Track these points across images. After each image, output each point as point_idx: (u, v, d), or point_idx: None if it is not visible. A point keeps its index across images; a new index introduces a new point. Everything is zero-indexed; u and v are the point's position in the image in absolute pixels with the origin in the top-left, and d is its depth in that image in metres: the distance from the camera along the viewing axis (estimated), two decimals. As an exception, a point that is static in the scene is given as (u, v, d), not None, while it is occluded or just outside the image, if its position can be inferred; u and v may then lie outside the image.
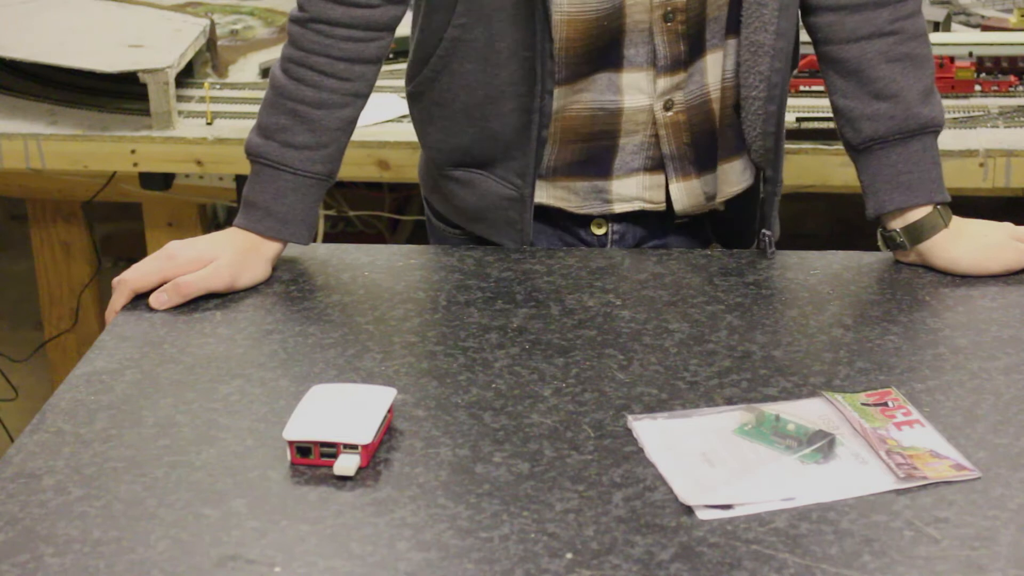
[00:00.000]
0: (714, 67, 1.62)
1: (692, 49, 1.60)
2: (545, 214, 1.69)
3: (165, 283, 1.54)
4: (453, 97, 1.64)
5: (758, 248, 1.67)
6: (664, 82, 1.60)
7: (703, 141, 1.65)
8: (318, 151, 1.61)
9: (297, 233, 1.61)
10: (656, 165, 1.65)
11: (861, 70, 1.60)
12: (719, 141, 1.66)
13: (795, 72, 1.88)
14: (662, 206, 1.68)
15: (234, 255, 1.57)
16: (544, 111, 1.59)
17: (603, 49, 1.58)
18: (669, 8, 1.56)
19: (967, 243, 1.59)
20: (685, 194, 1.67)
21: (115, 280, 1.56)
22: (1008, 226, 1.62)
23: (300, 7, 1.60)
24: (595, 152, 1.64)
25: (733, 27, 1.61)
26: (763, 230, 1.66)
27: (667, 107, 1.61)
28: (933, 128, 1.60)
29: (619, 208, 1.67)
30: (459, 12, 1.59)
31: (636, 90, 1.60)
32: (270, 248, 1.61)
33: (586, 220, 1.69)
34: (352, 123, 1.64)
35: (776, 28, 1.57)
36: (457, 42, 1.61)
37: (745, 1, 1.57)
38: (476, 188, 1.68)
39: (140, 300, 1.56)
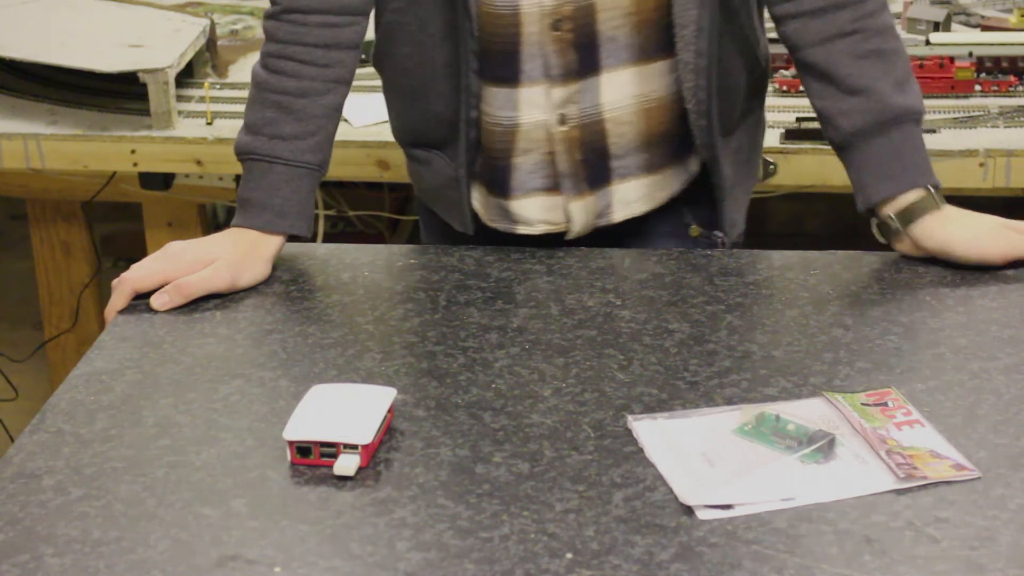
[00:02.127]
0: (611, 87, 1.61)
1: (584, 61, 1.59)
2: None
3: (165, 284, 1.54)
4: (398, 80, 1.69)
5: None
6: (558, 93, 1.60)
7: (594, 159, 1.65)
8: (306, 140, 1.62)
9: (295, 224, 1.62)
10: (553, 185, 1.66)
11: (830, 70, 1.60)
12: (623, 161, 1.66)
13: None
14: (564, 225, 1.68)
15: (234, 255, 1.57)
16: (471, 90, 1.61)
17: (502, 60, 1.59)
18: (557, 17, 1.57)
19: (959, 226, 1.59)
20: (581, 213, 1.67)
21: (115, 280, 1.56)
22: (1000, 218, 1.61)
23: (272, 1, 1.63)
24: (494, 169, 1.66)
25: (644, 53, 1.61)
26: (715, 231, 1.68)
27: (561, 122, 1.61)
28: (911, 116, 1.60)
29: (522, 230, 1.68)
30: None
31: (532, 105, 1.61)
32: (270, 245, 1.61)
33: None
34: (336, 111, 1.64)
35: (696, 48, 1.58)
36: (393, 26, 1.64)
37: (674, 25, 1.58)
38: (431, 167, 1.71)
39: (140, 300, 1.56)
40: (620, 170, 1.66)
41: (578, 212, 1.66)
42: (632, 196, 1.67)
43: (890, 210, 1.60)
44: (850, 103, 1.60)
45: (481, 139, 1.65)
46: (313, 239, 1.65)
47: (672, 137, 1.65)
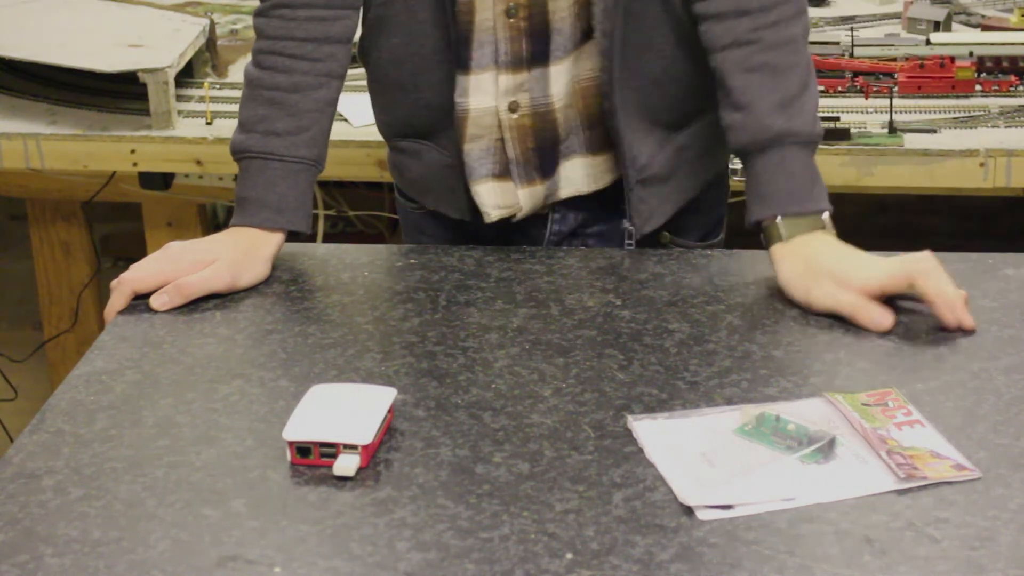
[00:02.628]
0: (560, 77, 1.62)
1: (536, 50, 1.60)
2: None
3: (165, 284, 1.54)
4: (385, 72, 1.68)
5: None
6: (506, 80, 1.61)
7: (547, 147, 1.65)
8: (300, 135, 1.62)
9: (294, 220, 1.62)
10: (504, 171, 1.66)
11: (722, 80, 1.58)
12: (567, 142, 1.66)
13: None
14: (519, 208, 1.68)
15: (234, 255, 1.57)
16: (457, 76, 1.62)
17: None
18: (511, 3, 1.57)
19: (788, 265, 1.52)
20: (531, 199, 1.68)
21: (114, 281, 1.56)
22: (872, 270, 1.49)
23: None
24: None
25: (582, 39, 1.62)
26: (623, 221, 1.67)
27: (512, 109, 1.62)
28: (791, 139, 1.55)
29: (488, 217, 1.68)
30: None
31: (481, 92, 1.62)
32: (269, 243, 1.60)
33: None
34: (330, 105, 1.64)
35: (602, 28, 1.58)
36: (380, 20, 1.65)
37: (592, 4, 1.58)
38: (421, 158, 1.71)
39: (140, 300, 1.55)
40: (565, 150, 1.67)
41: (527, 198, 1.68)
42: (576, 174, 1.68)
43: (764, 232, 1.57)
44: (734, 118, 1.57)
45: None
46: (313, 239, 1.64)
47: (599, 117, 1.66)
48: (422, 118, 1.68)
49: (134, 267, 1.56)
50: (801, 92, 1.57)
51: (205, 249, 1.58)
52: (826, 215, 1.56)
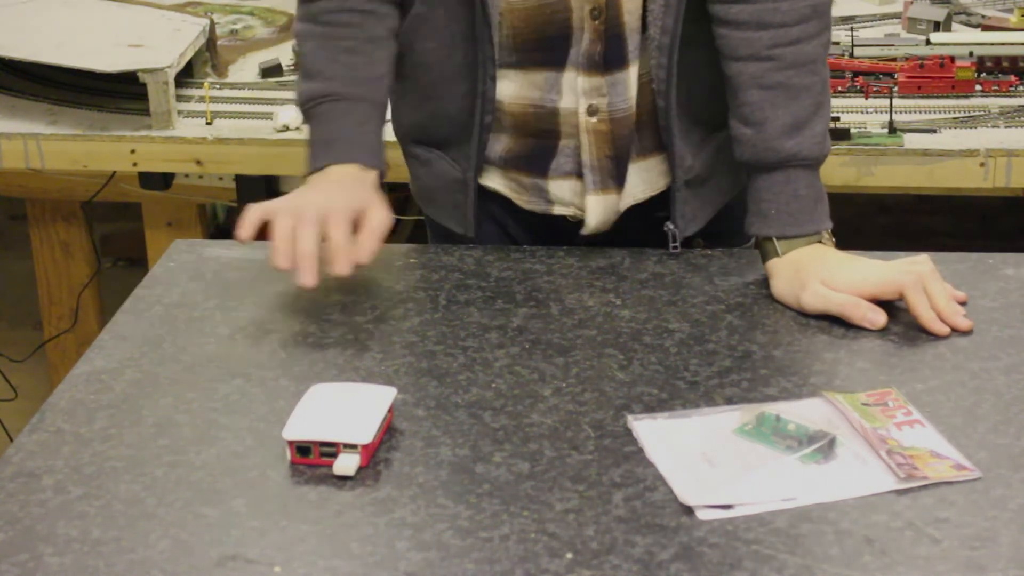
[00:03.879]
0: (633, 81, 1.60)
1: (611, 54, 1.58)
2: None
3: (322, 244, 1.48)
4: (413, 74, 1.67)
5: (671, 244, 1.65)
6: (584, 82, 1.59)
7: (623, 155, 1.63)
8: (379, 83, 1.60)
9: (381, 162, 1.58)
10: (578, 172, 1.64)
11: (735, 91, 1.58)
12: (633, 145, 1.64)
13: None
14: (582, 215, 1.66)
15: (350, 196, 1.52)
16: (487, 96, 1.60)
17: (549, 43, 1.59)
18: (595, 6, 1.56)
19: (783, 280, 1.53)
20: (601, 208, 1.65)
21: (251, 211, 1.49)
22: (868, 274, 1.50)
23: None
24: (538, 149, 1.65)
25: (642, 38, 1.60)
26: (667, 223, 1.64)
27: (591, 112, 1.60)
28: (797, 162, 1.56)
29: (558, 210, 1.66)
30: None
31: (569, 90, 1.60)
32: (370, 180, 1.57)
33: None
34: (394, 61, 1.63)
35: (661, 25, 1.56)
36: (420, 19, 1.63)
37: (651, 5, 1.57)
38: (432, 167, 1.70)
39: (140, 300, 1.55)
40: (633, 152, 1.65)
41: (596, 205, 1.64)
42: (630, 181, 1.66)
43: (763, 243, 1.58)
44: (744, 132, 1.57)
45: (511, 123, 1.63)
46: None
47: (653, 118, 1.63)
48: (439, 128, 1.67)
49: (282, 228, 1.46)
50: (813, 114, 1.56)
51: (343, 200, 1.50)
52: (825, 233, 1.57)
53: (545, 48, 1.59)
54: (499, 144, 1.65)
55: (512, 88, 1.62)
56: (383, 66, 1.62)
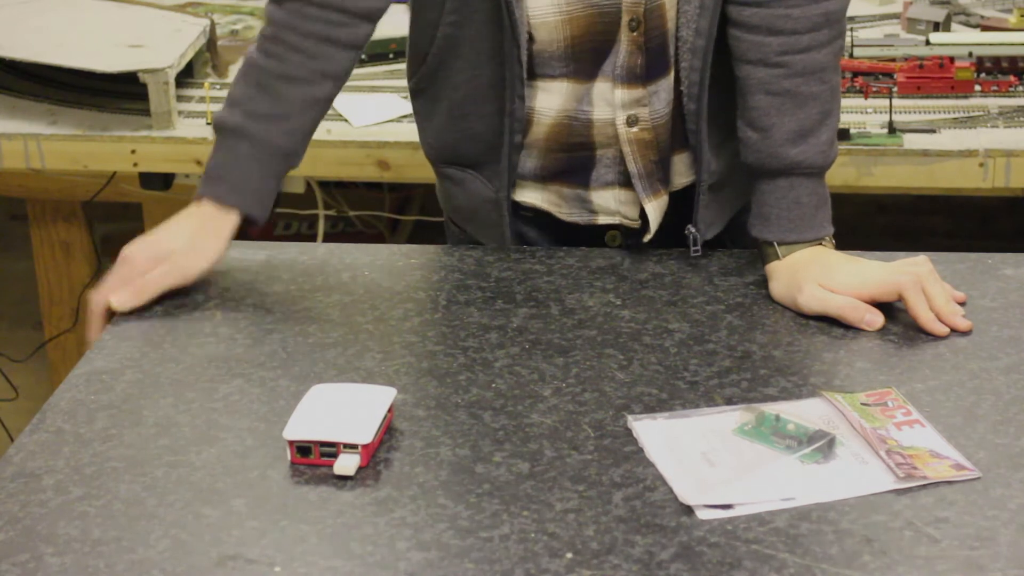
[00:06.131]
0: (671, 86, 1.60)
1: (653, 65, 1.58)
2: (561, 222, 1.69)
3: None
4: (443, 94, 1.65)
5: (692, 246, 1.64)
6: (622, 94, 1.58)
7: (666, 156, 1.63)
8: (279, 123, 1.60)
9: (248, 203, 1.59)
10: (626, 181, 1.63)
11: (744, 93, 1.58)
12: (672, 138, 1.64)
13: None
14: (637, 223, 1.65)
15: (188, 242, 1.57)
16: (516, 115, 1.59)
17: (590, 54, 1.57)
18: (632, 17, 1.55)
19: (781, 283, 1.54)
20: (659, 211, 1.64)
21: (88, 300, 1.56)
22: (862, 273, 1.52)
23: None
24: (576, 161, 1.64)
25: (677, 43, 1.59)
26: (688, 226, 1.64)
27: (631, 123, 1.59)
28: (802, 171, 1.56)
29: (603, 220, 1.66)
30: (448, 9, 1.60)
31: (603, 101, 1.59)
32: (224, 223, 1.59)
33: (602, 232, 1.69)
34: (318, 103, 1.62)
35: (696, 27, 1.56)
36: (451, 39, 1.62)
37: (685, 8, 1.56)
38: (466, 187, 1.69)
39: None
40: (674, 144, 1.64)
41: (655, 211, 1.63)
42: (683, 168, 1.66)
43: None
44: (749, 136, 1.57)
45: (545, 136, 1.62)
46: (313, 239, 1.64)
47: (680, 118, 1.63)
48: (470, 148, 1.66)
49: (98, 288, 1.56)
50: (819, 123, 1.56)
51: (159, 243, 1.57)
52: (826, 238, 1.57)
53: (588, 59, 1.58)
54: (531, 160, 1.64)
55: (555, 100, 1.60)
56: (287, 107, 1.60)
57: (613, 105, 1.59)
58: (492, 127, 1.62)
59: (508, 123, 1.60)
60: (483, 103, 1.62)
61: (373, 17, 1.63)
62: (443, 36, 1.62)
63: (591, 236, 1.69)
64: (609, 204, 1.65)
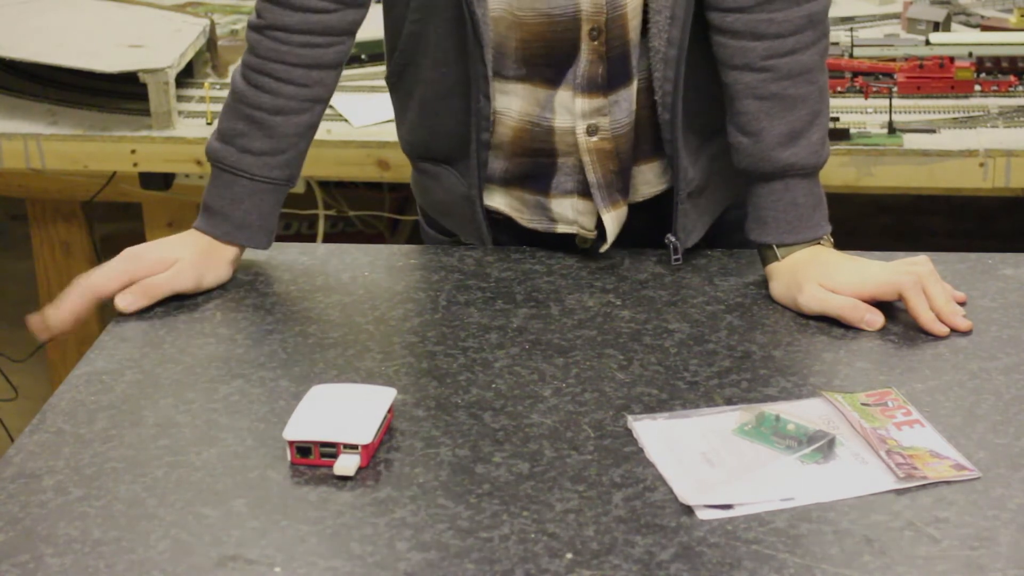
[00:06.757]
0: (634, 96, 1.59)
1: (614, 75, 1.57)
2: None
3: (129, 285, 1.54)
4: (414, 91, 1.66)
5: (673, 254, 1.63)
6: (583, 103, 1.58)
7: (627, 167, 1.62)
8: (275, 157, 1.61)
9: (254, 238, 1.61)
10: (585, 191, 1.62)
11: (732, 99, 1.57)
12: (635, 149, 1.62)
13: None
14: (593, 234, 1.64)
15: (196, 256, 1.57)
16: (481, 113, 1.59)
17: (555, 60, 1.57)
18: (593, 26, 1.54)
19: (781, 283, 1.54)
20: (616, 222, 1.63)
21: (76, 280, 1.55)
22: (862, 273, 1.52)
23: (258, 14, 1.60)
24: (538, 167, 1.63)
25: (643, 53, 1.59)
26: (668, 235, 1.62)
27: (590, 132, 1.58)
28: (795, 172, 1.56)
29: (562, 228, 1.64)
30: (412, 8, 1.60)
31: (564, 109, 1.59)
32: (229, 251, 1.60)
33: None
34: (312, 128, 1.63)
35: (667, 37, 1.55)
36: (416, 37, 1.62)
37: (649, 10, 1.55)
38: (441, 182, 1.69)
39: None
40: (638, 155, 1.63)
41: (613, 222, 1.62)
42: (634, 188, 1.65)
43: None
44: (741, 141, 1.57)
45: (510, 140, 1.62)
46: (313, 239, 1.64)
47: (653, 126, 1.62)
48: (442, 145, 1.66)
49: (97, 269, 1.55)
50: (809, 124, 1.56)
51: (167, 249, 1.57)
52: (824, 237, 1.57)
53: (551, 64, 1.57)
54: (499, 163, 1.64)
55: (514, 102, 1.60)
56: (283, 141, 1.60)
57: (573, 114, 1.58)
58: (461, 124, 1.62)
59: (475, 121, 1.60)
60: (451, 100, 1.62)
61: (355, 29, 1.64)
62: (409, 33, 1.62)
63: (553, 245, 1.67)
64: (567, 213, 1.64)
